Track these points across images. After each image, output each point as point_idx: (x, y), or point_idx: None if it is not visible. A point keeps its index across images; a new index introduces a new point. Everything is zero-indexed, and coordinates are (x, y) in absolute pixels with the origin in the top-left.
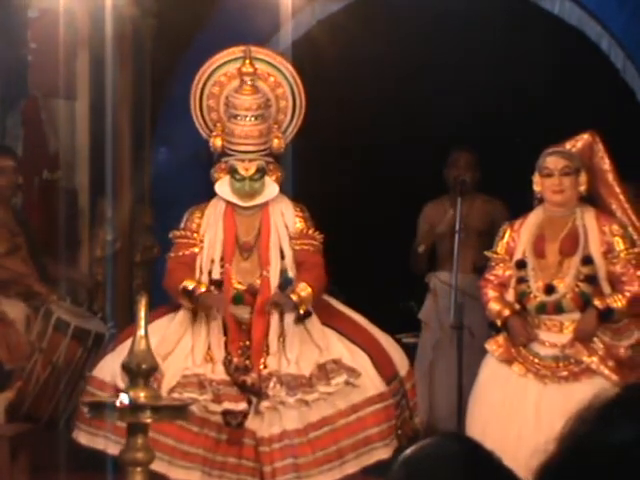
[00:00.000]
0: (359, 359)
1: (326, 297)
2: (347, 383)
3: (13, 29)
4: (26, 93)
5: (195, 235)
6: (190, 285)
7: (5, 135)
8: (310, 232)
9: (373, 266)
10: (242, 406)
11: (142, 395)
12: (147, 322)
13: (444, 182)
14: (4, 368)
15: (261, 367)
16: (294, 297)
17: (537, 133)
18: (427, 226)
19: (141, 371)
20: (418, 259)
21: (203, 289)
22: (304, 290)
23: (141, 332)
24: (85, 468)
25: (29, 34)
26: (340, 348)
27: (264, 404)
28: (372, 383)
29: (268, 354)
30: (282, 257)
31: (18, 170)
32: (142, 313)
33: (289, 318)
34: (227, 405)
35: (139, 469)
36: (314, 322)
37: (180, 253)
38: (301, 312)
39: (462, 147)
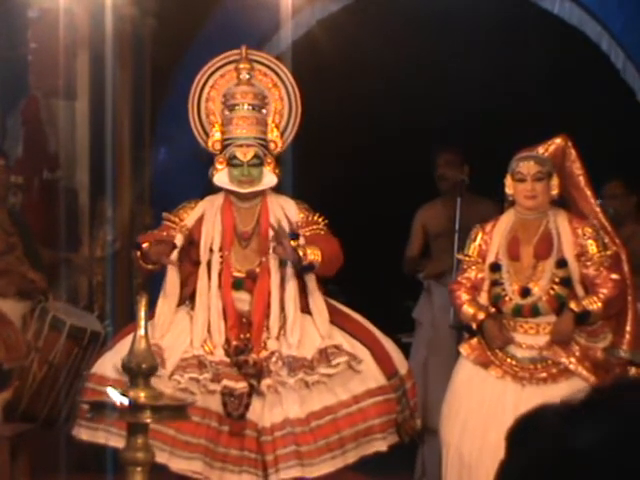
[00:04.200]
0: (360, 352)
1: (326, 298)
2: (349, 366)
3: (13, 29)
4: (26, 93)
5: (179, 221)
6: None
7: (5, 135)
8: (314, 218)
9: (372, 267)
10: (241, 385)
11: (142, 395)
12: (147, 322)
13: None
14: (2, 368)
15: (262, 352)
16: (300, 251)
17: (537, 133)
18: (419, 228)
19: (141, 371)
20: (409, 261)
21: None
22: (313, 253)
23: (141, 332)
24: (85, 468)
25: (29, 34)
26: (341, 339)
27: (266, 382)
28: (373, 375)
29: (269, 338)
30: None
31: (10, 169)
32: (142, 313)
33: (290, 304)
34: (226, 382)
35: (139, 469)
36: (319, 309)
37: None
38: (304, 263)
39: (458, 148)
